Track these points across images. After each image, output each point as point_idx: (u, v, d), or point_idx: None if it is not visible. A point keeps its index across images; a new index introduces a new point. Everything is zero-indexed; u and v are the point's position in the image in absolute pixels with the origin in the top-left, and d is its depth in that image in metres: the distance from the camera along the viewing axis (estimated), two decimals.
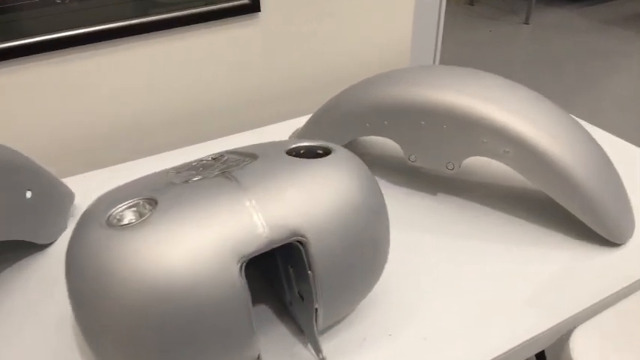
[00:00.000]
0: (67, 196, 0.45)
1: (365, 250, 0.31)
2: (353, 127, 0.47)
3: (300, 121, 0.57)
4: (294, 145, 0.34)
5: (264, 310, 0.36)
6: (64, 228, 0.44)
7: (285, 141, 0.35)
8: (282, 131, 0.57)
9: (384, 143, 0.55)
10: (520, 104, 0.42)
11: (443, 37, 0.91)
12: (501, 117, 0.41)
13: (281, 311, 0.36)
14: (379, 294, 0.37)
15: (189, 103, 0.59)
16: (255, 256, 0.28)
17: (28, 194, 0.40)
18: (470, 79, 0.44)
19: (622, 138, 0.55)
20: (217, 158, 0.36)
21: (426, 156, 0.45)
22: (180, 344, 0.26)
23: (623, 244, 0.41)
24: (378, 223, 0.32)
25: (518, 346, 0.34)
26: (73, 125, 0.54)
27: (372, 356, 0.33)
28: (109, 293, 0.25)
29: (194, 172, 0.33)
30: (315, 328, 0.31)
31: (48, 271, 0.40)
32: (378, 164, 0.52)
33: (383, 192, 0.47)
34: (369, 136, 0.50)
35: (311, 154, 0.34)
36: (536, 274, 0.39)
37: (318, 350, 0.32)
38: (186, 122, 0.59)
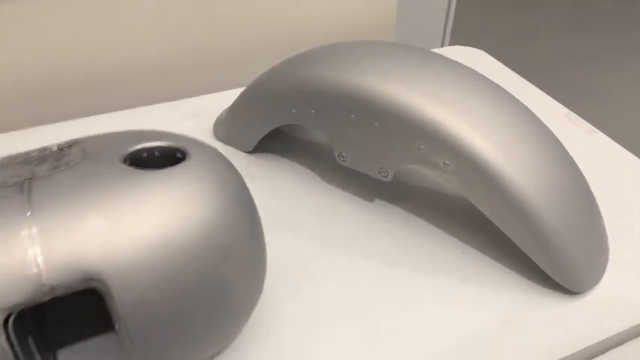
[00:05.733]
0: None
1: (206, 298, 0.24)
2: (277, 112, 0.39)
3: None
4: (137, 147, 0.26)
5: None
6: None
7: (135, 136, 0.27)
8: (219, 102, 0.48)
9: None
10: (476, 106, 0.33)
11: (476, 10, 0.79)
12: (444, 119, 0.32)
13: None
14: (256, 335, 0.30)
15: (95, 65, 0.50)
16: None
17: None
18: (417, 67, 0.35)
19: None
20: (63, 149, 0.28)
21: (357, 157, 0.36)
22: None
23: (581, 293, 0.32)
24: (234, 264, 0.24)
25: None
26: None
27: None
28: None
29: (17, 170, 0.26)
30: None
31: None
32: (315, 157, 0.43)
33: (309, 192, 0.40)
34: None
35: (165, 157, 0.26)
36: (461, 322, 0.31)
37: None
38: (92, 87, 0.51)
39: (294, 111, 0.38)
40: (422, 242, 0.36)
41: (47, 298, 0.21)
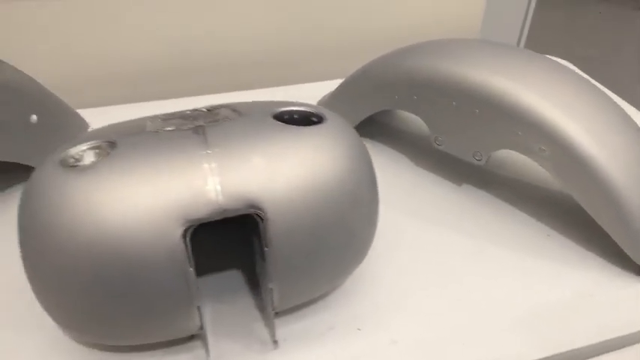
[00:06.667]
0: (80, 126, 0.45)
1: (336, 237, 0.28)
2: (381, 97, 0.43)
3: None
4: (284, 109, 0.31)
5: (235, 282, 0.34)
6: None
7: (279, 102, 0.32)
8: (316, 91, 0.53)
9: (420, 121, 0.51)
10: (571, 97, 0.36)
11: (537, 17, 0.82)
12: (542, 108, 0.35)
13: (252, 286, 0.34)
14: (359, 284, 0.34)
15: (225, 51, 0.56)
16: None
17: (34, 118, 0.39)
18: (518, 62, 0.38)
19: None
20: (212, 110, 0.33)
21: (454, 141, 0.40)
22: (111, 302, 0.25)
23: None
24: (358, 212, 0.29)
25: None
26: (103, 57, 0.53)
27: (334, 347, 0.30)
28: (37, 236, 0.24)
29: (181, 122, 0.31)
30: (270, 309, 0.29)
31: None
32: (406, 143, 0.47)
33: (401, 173, 0.44)
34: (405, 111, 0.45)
35: (303, 119, 0.31)
36: (542, 294, 0.34)
37: (271, 332, 0.30)
38: (221, 70, 0.57)
39: (396, 97, 0.42)
40: (507, 224, 0.39)
41: (220, 217, 0.25)
